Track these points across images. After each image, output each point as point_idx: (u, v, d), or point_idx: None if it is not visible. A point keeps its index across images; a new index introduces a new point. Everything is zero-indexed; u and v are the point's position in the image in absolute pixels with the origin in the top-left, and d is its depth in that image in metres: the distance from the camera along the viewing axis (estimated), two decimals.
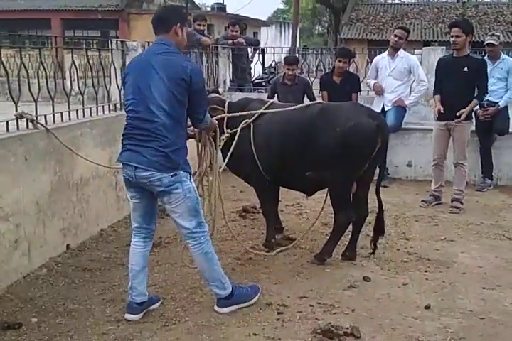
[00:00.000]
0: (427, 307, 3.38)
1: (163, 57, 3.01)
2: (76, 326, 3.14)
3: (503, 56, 6.36)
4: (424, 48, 7.55)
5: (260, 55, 9.61)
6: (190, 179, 3.13)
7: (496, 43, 6.18)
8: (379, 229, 4.13)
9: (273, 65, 10.76)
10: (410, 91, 6.76)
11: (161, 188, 3.02)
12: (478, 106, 5.68)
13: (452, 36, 5.38)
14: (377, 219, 4.14)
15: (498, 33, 6.55)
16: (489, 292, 3.65)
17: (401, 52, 6.58)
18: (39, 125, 3.90)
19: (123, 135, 3.13)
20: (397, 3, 31.97)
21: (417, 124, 6.89)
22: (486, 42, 6.28)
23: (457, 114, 5.43)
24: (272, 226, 4.43)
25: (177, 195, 3.05)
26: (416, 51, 8.04)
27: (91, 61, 4.88)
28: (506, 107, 6.36)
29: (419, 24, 25.76)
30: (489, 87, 5.70)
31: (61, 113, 4.29)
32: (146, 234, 3.28)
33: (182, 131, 3.09)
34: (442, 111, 5.47)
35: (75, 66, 4.57)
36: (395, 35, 6.53)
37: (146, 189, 3.09)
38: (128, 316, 3.23)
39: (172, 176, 3.00)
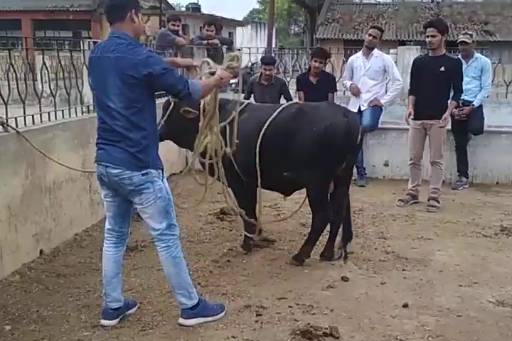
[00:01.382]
0: (405, 306, 3.39)
1: (115, 56, 2.88)
2: (51, 333, 3.07)
3: (477, 55, 6.44)
4: (399, 48, 7.62)
5: None
6: (162, 178, 3.07)
7: (468, 41, 6.25)
8: (348, 231, 4.16)
9: (249, 65, 10.74)
10: (386, 91, 6.80)
11: (131, 187, 2.98)
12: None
13: (428, 36, 5.43)
14: (344, 222, 4.15)
15: (470, 32, 6.64)
16: (466, 289, 3.68)
17: (376, 51, 6.62)
18: (10, 128, 3.81)
19: (97, 135, 3.10)
20: (373, 3, 32.23)
21: (393, 124, 6.93)
22: (458, 40, 6.35)
23: (441, 120, 5.49)
24: (250, 227, 4.40)
25: (148, 194, 3.00)
26: (391, 50, 8.10)
27: (63, 62, 4.79)
28: (481, 106, 6.44)
29: (394, 24, 26.00)
30: (464, 86, 5.76)
31: (32, 115, 4.22)
32: (118, 237, 3.21)
33: (147, 129, 2.99)
34: (413, 116, 5.54)
35: (46, 67, 4.49)
36: (369, 35, 6.57)
37: (118, 189, 3.05)
38: (104, 322, 3.17)
39: (143, 175, 2.96)
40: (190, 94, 2.98)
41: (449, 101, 5.58)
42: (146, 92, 2.95)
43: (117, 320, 3.19)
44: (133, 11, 2.98)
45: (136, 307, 3.34)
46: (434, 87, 5.46)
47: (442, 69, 5.42)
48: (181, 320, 3.18)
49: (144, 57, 2.86)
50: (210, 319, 3.20)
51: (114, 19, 2.98)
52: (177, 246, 3.15)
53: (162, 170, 3.09)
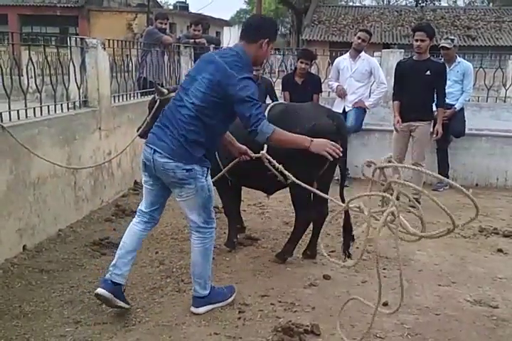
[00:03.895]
0: (385, 304, 3.44)
1: (219, 60, 3.00)
2: (33, 328, 3.07)
3: (459, 59, 6.54)
4: (383, 51, 7.70)
5: None
6: (206, 176, 3.11)
7: (449, 46, 6.34)
8: (348, 234, 4.09)
9: None
10: (370, 93, 6.89)
11: (174, 179, 3.03)
12: (434, 108, 5.82)
13: (417, 40, 5.47)
14: (344, 222, 4.10)
15: (452, 37, 6.74)
16: (444, 289, 3.76)
17: (363, 54, 6.71)
18: None
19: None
20: (358, 6, 32.52)
21: (376, 125, 7.02)
22: (440, 45, 6.46)
23: (434, 134, 5.70)
24: (234, 225, 4.44)
25: (189, 189, 3.05)
26: (376, 53, 8.20)
27: (49, 58, 4.78)
28: (462, 109, 6.56)
29: (379, 27, 26.24)
30: (446, 90, 5.86)
31: (17, 111, 4.19)
32: (149, 220, 3.26)
33: (208, 132, 3.04)
34: (401, 126, 5.60)
35: (33, 63, 4.47)
36: (358, 38, 6.65)
37: (160, 178, 3.09)
38: (100, 290, 3.11)
39: (187, 171, 3.00)
40: (257, 133, 2.96)
41: (433, 105, 5.68)
42: (226, 99, 2.97)
43: (112, 296, 3.12)
44: (267, 40, 3.09)
45: (127, 306, 3.23)
46: (420, 90, 5.53)
47: (428, 73, 5.48)
48: (193, 309, 3.29)
49: (239, 78, 2.91)
50: (220, 305, 3.32)
51: (245, 38, 3.10)
52: (212, 239, 3.24)
53: (208, 169, 3.13)
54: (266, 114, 3.92)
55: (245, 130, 3.01)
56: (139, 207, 3.29)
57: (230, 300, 3.38)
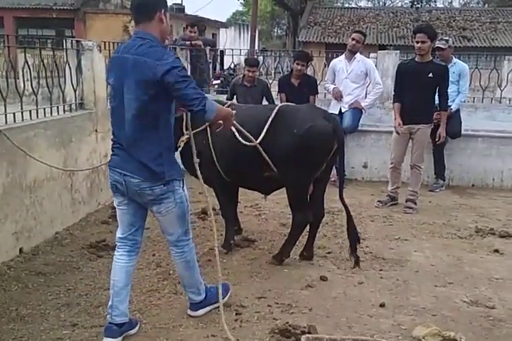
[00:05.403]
0: (382, 305, 3.46)
1: (134, 58, 2.75)
2: (30, 331, 3.07)
3: (455, 60, 6.55)
4: (379, 52, 7.71)
5: (219, 57, 9.62)
6: (182, 186, 2.97)
7: (443, 47, 6.35)
8: (353, 236, 4.03)
9: (232, 66, 10.79)
10: (366, 94, 6.90)
11: (151, 197, 2.87)
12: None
13: (418, 42, 5.42)
14: (348, 225, 4.05)
15: (446, 38, 6.75)
16: (441, 289, 3.76)
17: (358, 55, 6.72)
18: None
19: (112, 138, 2.96)
20: (354, 8, 32.58)
21: (372, 126, 7.03)
22: (434, 46, 6.46)
23: (436, 139, 5.76)
24: (231, 227, 4.44)
25: (167, 204, 2.91)
26: (371, 55, 8.20)
27: (45, 61, 4.77)
28: (458, 110, 6.57)
29: (374, 28, 26.26)
30: None
31: (13, 113, 4.19)
32: (132, 246, 3.05)
33: (163, 136, 2.85)
34: (402, 128, 5.60)
35: (29, 66, 4.47)
36: (353, 39, 6.67)
37: (133, 196, 2.92)
38: (107, 340, 2.96)
39: (164, 186, 2.85)
40: (206, 111, 2.76)
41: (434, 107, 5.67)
42: (162, 96, 2.76)
43: (120, 338, 2.98)
44: (162, 10, 2.84)
45: (138, 326, 3.12)
46: (421, 92, 5.51)
47: (430, 75, 5.44)
48: (190, 312, 3.27)
49: (165, 62, 2.69)
50: (217, 305, 3.20)
51: (142, 18, 2.82)
52: (191, 250, 3.15)
53: (182, 178, 2.98)
54: (273, 114, 3.90)
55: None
56: (117, 235, 3.06)
57: (226, 298, 3.36)
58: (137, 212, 3.02)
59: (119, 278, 3.02)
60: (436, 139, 5.83)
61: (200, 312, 3.28)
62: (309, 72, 7.23)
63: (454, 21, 26.72)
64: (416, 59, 5.60)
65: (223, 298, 3.28)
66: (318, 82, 6.90)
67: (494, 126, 6.90)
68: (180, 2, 26.91)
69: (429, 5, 31.49)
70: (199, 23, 8.99)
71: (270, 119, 3.87)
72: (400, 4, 39.03)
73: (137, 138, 2.81)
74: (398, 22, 26.85)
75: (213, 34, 25.98)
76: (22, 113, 4.32)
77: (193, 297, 3.25)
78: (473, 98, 7.66)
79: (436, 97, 5.68)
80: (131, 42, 2.86)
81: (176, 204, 2.94)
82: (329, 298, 3.58)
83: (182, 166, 3.97)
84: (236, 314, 3.30)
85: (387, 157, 6.07)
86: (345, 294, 3.63)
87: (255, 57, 9.09)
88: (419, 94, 5.52)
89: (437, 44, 6.38)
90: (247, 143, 3.75)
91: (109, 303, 3.02)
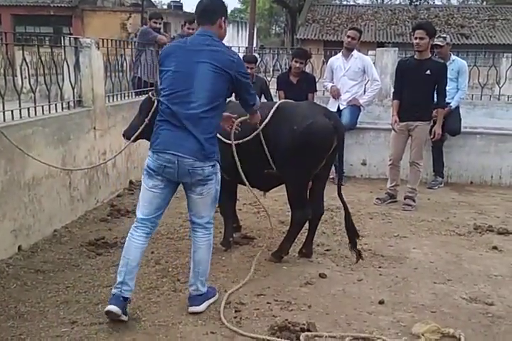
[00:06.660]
0: (381, 302, 3.46)
1: (210, 48, 3.10)
2: (29, 329, 3.06)
3: (453, 57, 6.56)
4: (377, 49, 7.71)
5: None
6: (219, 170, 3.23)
7: (441, 44, 6.35)
8: (352, 232, 4.04)
9: None
10: (364, 91, 6.90)
11: (200, 177, 3.08)
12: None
13: (416, 38, 5.43)
14: (346, 222, 4.07)
15: (444, 35, 6.75)
16: (440, 286, 3.77)
17: (355, 52, 6.72)
18: None
19: (158, 121, 3.13)
20: (352, 5, 32.55)
21: (371, 124, 7.04)
22: (432, 43, 6.46)
23: (431, 135, 5.75)
24: (230, 224, 4.44)
25: (210, 185, 3.14)
26: (370, 52, 8.21)
27: (43, 58, 4.76)
28: (458, 107, 6.58)
29: (373, 25, 26.26)
30: None
31: (11, 111, 4.18)
32: (151, 228, 3.21)
33: (218, 117, 3.20)
34: (399, 125, 5.60)
35: (27, 63, 4.45)
36: (348, 36, 6.68)
37: (172, 180, 3.11)
38: (111, 307, 3.04)
39: (212, 167, 3.09)
40: (256, 105, 3.44)
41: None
42: (230, 86, 3.16)
43: (121, 311, 3.05)
44: (223, 17, 3.21)
45: (126, 319, 3.13)
46: (420, 89, 5.51)
47: (428, 72, 5.45)
48: (193, 308, 3.27)
49: (238, 57, 3.18)
50: (212, 300, 3.37)
51: (205, 22, 3.20)
52: (213, 235, 3.34)
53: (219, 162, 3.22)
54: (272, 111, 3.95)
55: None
56: (140, 216, 3.17)
57: (217, 295, 3.44)
58: (167, 196, 3.20)
59: (134, 257, 3.16)
60: (431, 136, 5.82)
61: (203, 306, 3.29)
62: (308, 69, 7.22)
63: (452, 19, 26.74)
64: (415, 56, 5.61)
65: (216, 296, 3.41)
66: (316, 80, 6.90)
67: (493, 123, 6.91)
68: (178, 0, 26.86)
69: (428, 2, 31.62)
70: None
71: (269, 116, 3.86)
72: (398, 2, 38.91)
73: (202, 117, 3.04)
74: (396, 19, 26.86)
75: None
76: (20, 110, 4.31)
77: (200, 287, 3.29)
78: (472, 95, 7.68)
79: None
80: (198, 36, 3.21)
81: (214, 187, 3.17)
82: (328, 295, 3.58)
83: None
84: (235, 311, 3.29)
85: (386, 154, 6.08)
86: (345, 291, 3.63)
87: (254, 54, 9.07)
88: (418, 91, 5.52)
89: (435, 41, 6.38)
90: (227, 140, 3.80)
91: (120, 279, 3.12)
